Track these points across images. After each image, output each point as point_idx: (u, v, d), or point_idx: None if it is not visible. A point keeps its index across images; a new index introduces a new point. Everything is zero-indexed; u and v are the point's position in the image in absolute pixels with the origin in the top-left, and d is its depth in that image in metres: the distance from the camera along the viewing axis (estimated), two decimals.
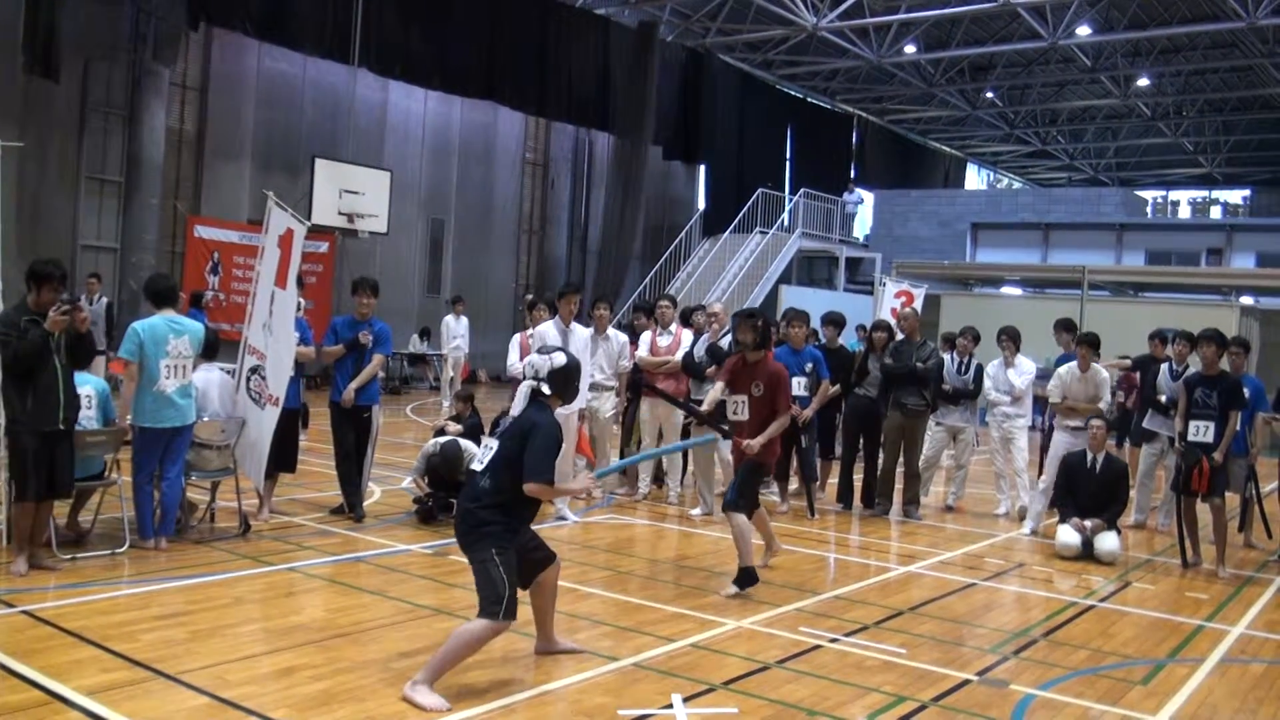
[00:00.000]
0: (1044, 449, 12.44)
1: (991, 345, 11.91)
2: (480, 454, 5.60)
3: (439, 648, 5.32)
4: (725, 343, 10.70)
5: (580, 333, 10.19)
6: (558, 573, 5.92)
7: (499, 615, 5.27)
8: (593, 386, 10.68)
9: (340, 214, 21.47)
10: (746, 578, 7.65)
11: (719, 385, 8.28)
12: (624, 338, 11.32)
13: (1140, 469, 11.35)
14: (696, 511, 10.59)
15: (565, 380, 5.67)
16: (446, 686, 5.24)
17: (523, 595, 5.57)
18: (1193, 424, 9.21)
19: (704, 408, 8.51)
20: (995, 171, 48.39)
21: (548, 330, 9.99)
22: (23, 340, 6.86)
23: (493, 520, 5.38)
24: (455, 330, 20.15)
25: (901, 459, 11.34)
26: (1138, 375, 14.41)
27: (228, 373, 8.94)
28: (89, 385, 7.89)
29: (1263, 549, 10.52)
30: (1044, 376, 12.42)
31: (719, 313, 11.20)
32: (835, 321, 12.32)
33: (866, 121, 37.46)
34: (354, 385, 9.36)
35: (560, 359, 5.67)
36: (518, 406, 5.63)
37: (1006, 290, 28.41)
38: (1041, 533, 10.54)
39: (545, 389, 5.60)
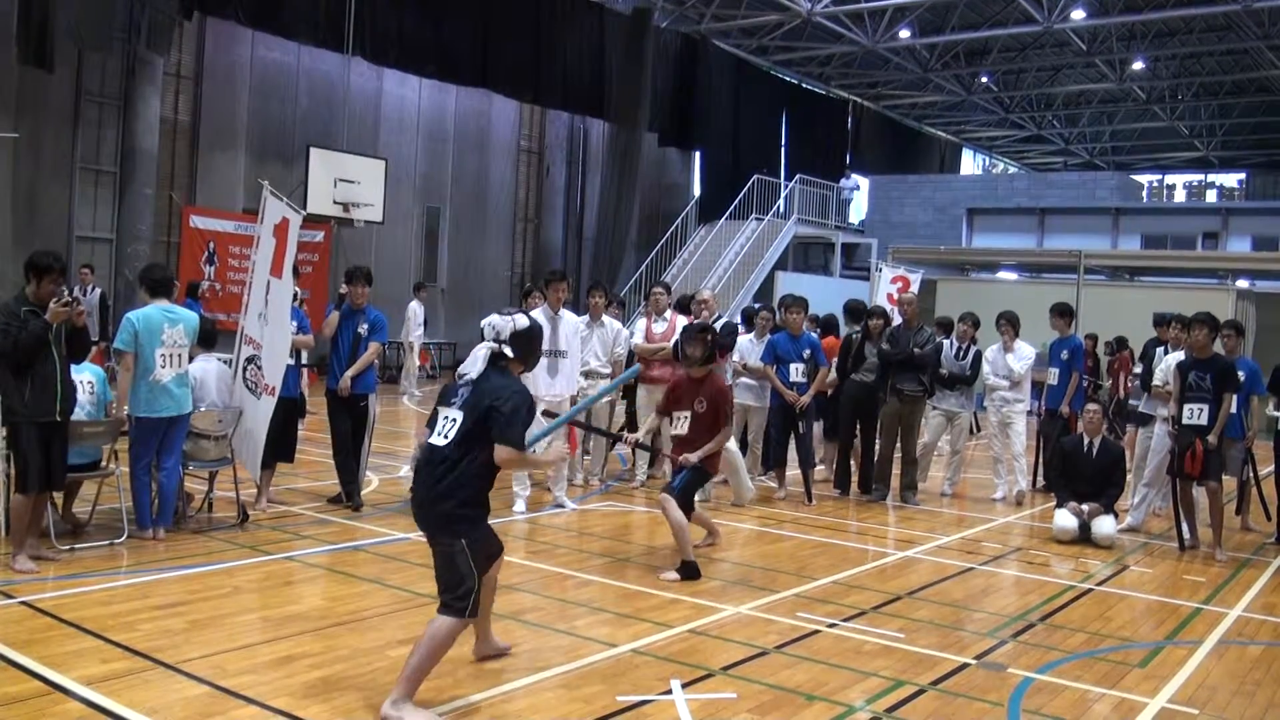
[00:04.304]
0: (1040, 433, 12.48)
1: (990, 331, 11.93)
2: (441, 427, 5.08)
3: (408, 659, 4.91)
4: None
5: (569, 319, 10.19)
6: (500, 567, 5.54)
7: (465, 612, 4.92)
8: (588, 374, 10.68)
9: (335, 203, 21.43)
10: (689, 570, 7.67)
11: (653, 416, 8.59)
12: (618, 325, 11.31)
13: (1137, 452, 11.35)
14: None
15: (528, 342, 5.27)
16: (443, 674, 5.26)
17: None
18: (1187, 407, 9.22)
19: (641, 435, 8.79)
20: (991, 156, 48.32)
21: (536, 317, 9.98)
22: (23, 331, 6.86)
23: (461, 499, 4.98)
24: (419, 317, 20.18)
25: (899, 444, 11.37)
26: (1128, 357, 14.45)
27: (225, 363, 8.93)
28: (88, 372, 7.91)
29: (1260, 531, 10.54)
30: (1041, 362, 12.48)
31: (708, 300, 11.21)
32: (856, 311, 12.33)
33: (862, 107, 37.38)
34: (350, 373, 9.36)
35: (522, 320, 5.28)
36: (474, 369, 5.13)
37: (1002, 275, 28.44)
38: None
39: (508, 351, 5.18)
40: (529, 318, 5.38)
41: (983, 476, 12.92)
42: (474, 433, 4.99)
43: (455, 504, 4.99)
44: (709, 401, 8.09)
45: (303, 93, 23.28)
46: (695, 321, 10.78)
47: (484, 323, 5.39)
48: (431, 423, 5.20)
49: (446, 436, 5.03)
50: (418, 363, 20.10)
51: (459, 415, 5.04)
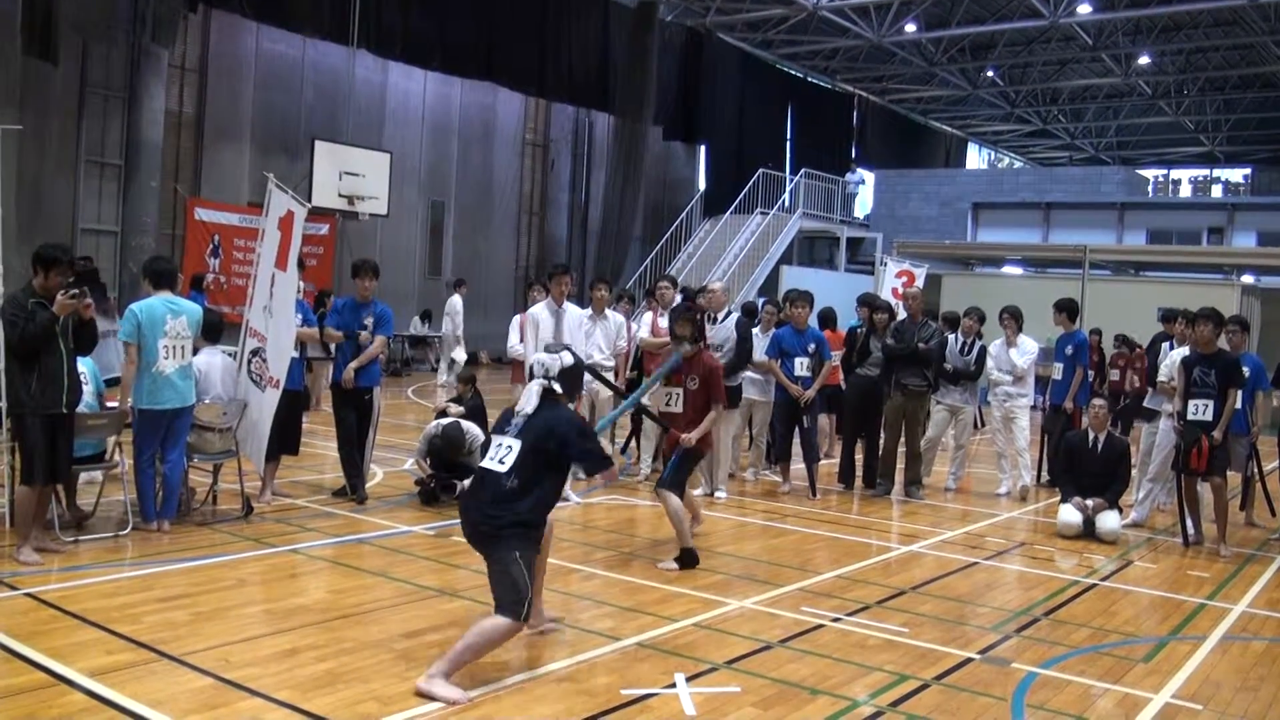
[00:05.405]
0: (1044, 430, 12.48)
1: (996, 325, 11.91)
2: (496, 453, 5.42)
3: (456, 641, 5.17)
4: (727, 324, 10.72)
5: (573, 312, 10.18)
6: (550, 542, 5.91)
7: (520, 616, 5.17)
8: (591, 367, 10.65)
9: (340, 196, 21.43)
10: (688, 558, 7.80)
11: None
12: (621, 318, 11.31)
13: (1141, 447, 11.35)
14: (698, 492, 10.57)
15: (574, 379, 5.70)
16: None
17: None
18: (1192, 403, 9.21)
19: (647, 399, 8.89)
20: (996, 151, 48.25)
21: (540, 312, 9.98)
22: (30, 323, 6.86)
23: (520, 523, 5.27)
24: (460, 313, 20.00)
25: (903, 439, 11.36)
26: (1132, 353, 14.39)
27: (230, 355, 8.94)
28: (82, 365, 7.89)
29: (1264, 527, 10.52)
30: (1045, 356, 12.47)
31: (716, 291, 11.18)
32: (868, 303, 12.29)
33: (867, 101, 37.33)
34: (353, 365, 9.37)
35: (568, 358, 5.67)
36: (529, 405, 5.50)
37: (1007, 270, 28.39)
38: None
39: (557, 388, 5.57)
40: (574, 355, 5.76)
41: (987, 471, 12.91)
42: (531, 461, 5.35)
43: (512, 526, 5.29)
44: (700, 379, 8.21)
45: (308, 85, 23.29)
46: (682, 302, 10.72)
47: (533, 359, 5.82)
48: (484, 448, 5.60)
49: (503, 462, 5.36)
50: (463, 357, 19.90)
51: (515, 443, 5.39)
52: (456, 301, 19.93)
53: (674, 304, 11.33)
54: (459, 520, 5.60)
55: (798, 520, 9.92)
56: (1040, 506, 11.22)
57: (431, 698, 4.94)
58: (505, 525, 5.26)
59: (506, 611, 5.16)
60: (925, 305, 12.30)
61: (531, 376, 5.68)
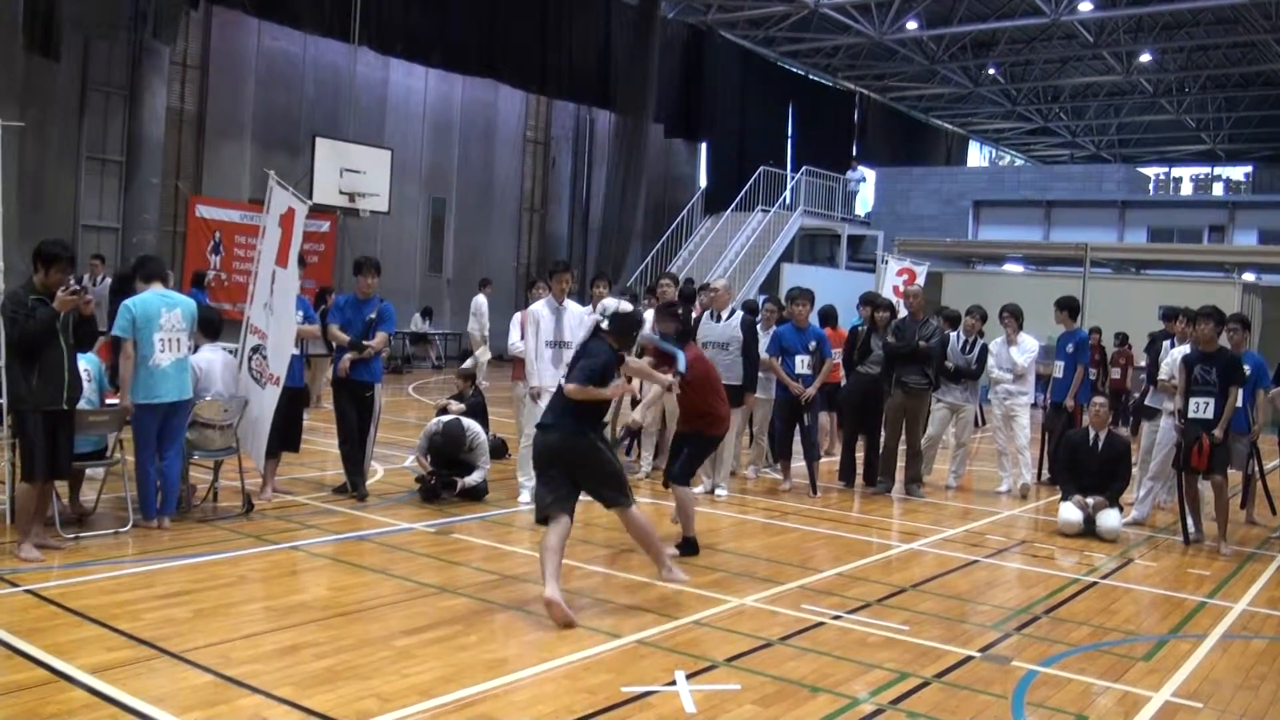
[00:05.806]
0: (1045, 428, 12.48)
1: (996, 324, 11.90)
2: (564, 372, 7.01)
3: (645, 546, 6.94)
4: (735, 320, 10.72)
5: (574, 309, 10.17)
6: (650, 539, 7.01)
7: (632, 500, 6.63)
8: None
9: (341, 193, 21.41)
10: (689, 546, 8.11)
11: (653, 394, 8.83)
12: None
13: (1142, 445, 11.34)
14: (698, 489, 10.57)
15: (624, 324, 6.70)
16: (448, 665, 5.31)
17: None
18: (1193, 401, 9.20)
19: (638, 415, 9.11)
20: (997, 148, 48.22)
21: (540, 309, 9.98)
22: (31, 319, 6.86)
23: (580, 418, 6.45)
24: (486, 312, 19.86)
25: (904, 437, 11.35)
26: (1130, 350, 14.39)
27: (230, 352, 8.94)
28: (84, 361, 7.88)
29: (1265, 526, 10.52)
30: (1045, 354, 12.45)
31: (719, 289, 11.16)
32: (870, 302, 12.28)
33: (868, 99, 37.32)
34: (350, 356, 9.34)
35: (626, 305, 6.79)
36: (581, 335, 6.89)
37: (1008, 268, 28.39)
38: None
39: (604, 324, 6.61)
40: (636, 308, 6.96)
41: (988, 469, 12.91)
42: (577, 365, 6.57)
43: (576, 421, 6.45)
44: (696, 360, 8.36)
45: (309, 82, 23.29)
46: (663, 300, 10.63)
47: (600, 303, 7.28)
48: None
49: (564, 378, 6.72)
50: (488, 357, 19.84)
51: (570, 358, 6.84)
52: (482, 302, 19.87)
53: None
54: (539, 450, 6.56)
55: (798, 518, 9.92)
56: (1041, 504, 11.22)
57: (676, 583, 6.85)
58: (570, 423, 6.42)
59: (623, 503, 6.58)
60: (927, 303, 12.28)
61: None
